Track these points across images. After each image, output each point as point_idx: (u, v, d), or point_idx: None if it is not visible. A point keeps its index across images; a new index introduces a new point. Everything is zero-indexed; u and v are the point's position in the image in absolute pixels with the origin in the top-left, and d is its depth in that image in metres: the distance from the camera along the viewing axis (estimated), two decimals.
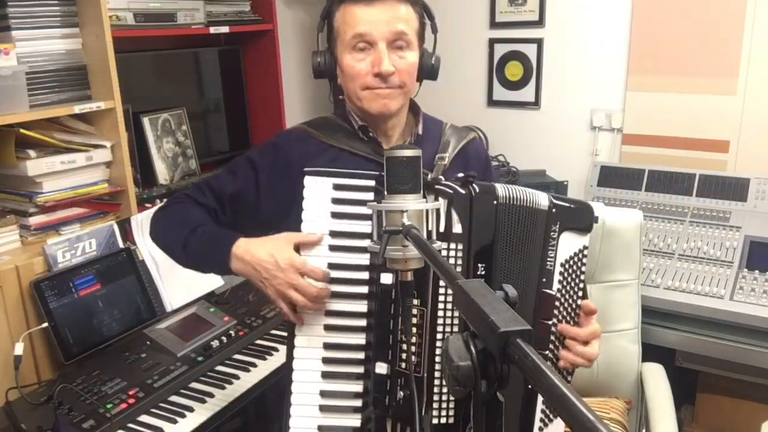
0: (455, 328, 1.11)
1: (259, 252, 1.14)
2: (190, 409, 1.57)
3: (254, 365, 1.78)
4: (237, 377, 1.72)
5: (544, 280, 1.19)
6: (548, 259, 1.20)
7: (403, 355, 1.12)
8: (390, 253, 0.96)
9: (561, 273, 1.21)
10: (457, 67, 3.07)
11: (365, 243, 1.12)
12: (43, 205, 1.83)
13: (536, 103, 2.95)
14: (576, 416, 0.47)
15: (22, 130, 1.77)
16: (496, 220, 1.13)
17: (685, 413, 2.39)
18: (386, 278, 1.12)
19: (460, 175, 1.14)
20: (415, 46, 1.26)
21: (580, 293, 1.25)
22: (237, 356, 1.82)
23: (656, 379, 1.85)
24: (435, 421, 1.11)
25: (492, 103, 3.06)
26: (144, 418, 1.54)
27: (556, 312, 1.21)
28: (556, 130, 2.92)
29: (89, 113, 1.96)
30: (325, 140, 1.31)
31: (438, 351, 1.11)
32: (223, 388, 1.67)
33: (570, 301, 1.23)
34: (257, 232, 1.22)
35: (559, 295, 1.21)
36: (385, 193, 1.01)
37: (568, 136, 2.89)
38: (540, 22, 2.86)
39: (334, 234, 1.15)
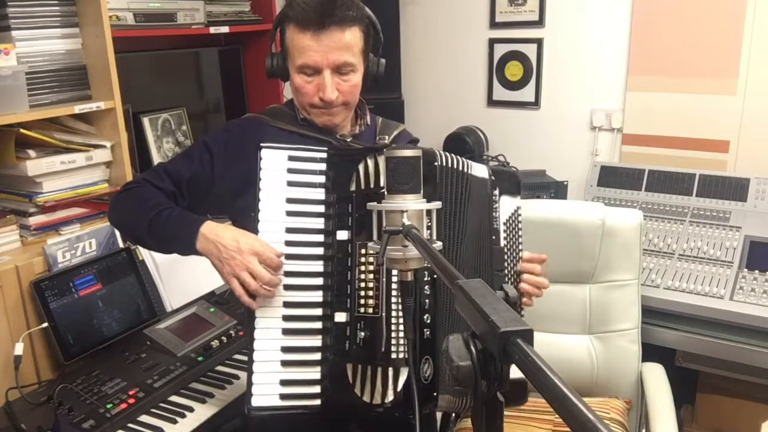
0: None
1: (224, 234, 1.23)
2: (190, 409, 1.57)
3: None
4: (237, 377, 1.71)
5: (493, 237, 1.39)
6: (494, 219, 1.40)
7: (362, 301, 1.23)
8: (390, 253, 0.96)
9: (505, 231, 1.42)
10: (457, 67, 3.07)
11: (320, 209, 1.25)
12: (43, 205, 1.83)
13: (536, 103, 2.95)
14: (576, 416, 0.47)
15: (22, 130, 1.77)
16: (436, 181, 1.24)
17: (685, 413, 2.39)
18: (342, 235, 1.25)
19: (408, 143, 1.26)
20: (360, 67, 1.38)
21: (521, 247, 1.45)
22: (237, 356, 1.81)
23: (656, 379, 1.85)
24: (394, 356, 1.21)
25: (492, 103, 3.06)
26: (144, 418, 1.54)
27: (505, 264, 1.41)
28: (556, 130, 2.92)
29: (89, 113, 1.96)
30: (274, 124, 1.42)
31: (394, 293, 1.22)
32: (223, 388, 1.66)
33: (514, 254, 1.44)
34: (214, 214, 1.33)
35: (506, 249, 1.41)
36: (385, 192, 1.02)
37: (568, 136, 2.89)
38: (540, 22, 2.85)
39: (290, 200, 1.25)
